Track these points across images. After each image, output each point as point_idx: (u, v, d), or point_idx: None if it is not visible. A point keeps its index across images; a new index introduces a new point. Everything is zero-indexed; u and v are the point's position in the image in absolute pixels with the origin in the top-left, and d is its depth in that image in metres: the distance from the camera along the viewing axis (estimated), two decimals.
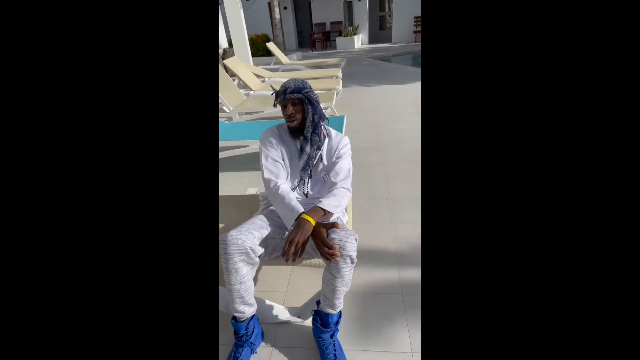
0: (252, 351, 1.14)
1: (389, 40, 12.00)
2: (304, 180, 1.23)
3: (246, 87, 4.35)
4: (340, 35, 11.69)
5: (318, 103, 1.20)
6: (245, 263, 1.02)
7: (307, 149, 1.19)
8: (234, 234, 1.01)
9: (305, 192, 1.25)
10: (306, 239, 1.02)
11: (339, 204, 1.12)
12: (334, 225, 1.05)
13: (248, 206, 1.58)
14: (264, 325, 1.27)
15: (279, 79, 4.90)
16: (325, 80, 4.53)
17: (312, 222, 1.04)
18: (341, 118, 2.82)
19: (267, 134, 1.23)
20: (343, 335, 1.21)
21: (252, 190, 2.38)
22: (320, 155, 1.22)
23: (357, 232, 1.08)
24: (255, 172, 2.66)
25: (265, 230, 1.09)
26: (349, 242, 0.98)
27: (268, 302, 1.33)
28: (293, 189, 1.23)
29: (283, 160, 1.21)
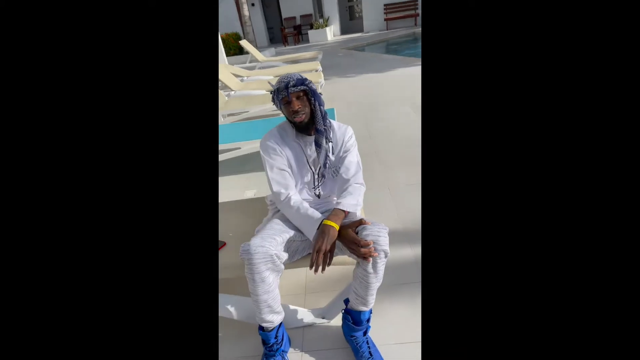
0: (284, 359, 1.10)
1: (360, 30, 11.98)
2: (319, 179, 1.18)
3: (226, 87, 4.21)
4: (311, 28, 11.57)
5: (320, 94, 1.15)
6: (272, 271, 0.98)
7: (324, 142, 1.13)
8: (256, 242, 0.95)
9: (318, 193, 1.20)
10: (333, 245, 0.99)
11: (357, 202, 1.08)
12: (361, 222, 1.02)
13: (251, 211, 1.52)
14: (289, 331, 1.23)
15: (260, 77, 4.78)
16: (306, 74, 4.46)
17: (336, 226, 1.00)
18: (331, 111, 2.78)
19: (268, 140, 1.15)
20: (372, 331, 1.18)
21: (249, 194, 2.31)
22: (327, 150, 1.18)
23: None
24: (249, 174, 2.59)
25: (287, 234, 1.05)
26: (381, 236, 0.96)
27: (290, 306, 1.29)
28: (302, 190, 1.18)
29: (290, 166, 1.15)
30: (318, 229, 1.02)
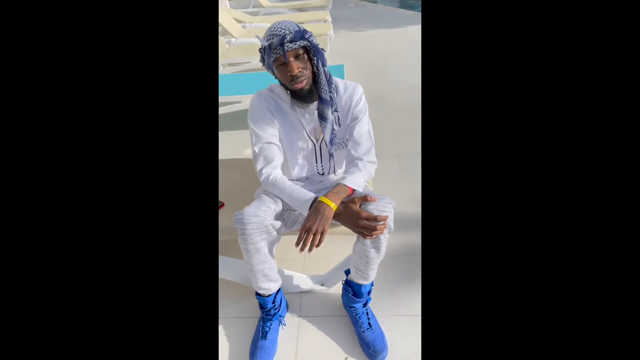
0: (281, 323, 1.08)
1: None
2: (322, 155, 1.03)
3: (227, 34, 3.89)
4: None
5: (323, 50, 0.92)
6: (267, 241, 0.90)
7: (329, 114, 0.93)
8: (250, 211, 0.87)
9: (321, 171, 1.06)
10: (326, 227, 0.85)
11: (364, 182, 0.96)
12: (366, 198, 0.89)
13: (251, 170, 1.42)
14: (286, 295, 1.20)
15: (264, 24, 4.40)
16: (313, 24, 4.10)
17: (333, 206, 0.86)
18: (340, 67, 2.57)
19: (258, 105, 0.95)
20: (371, 302, 1.16)
21: (249, 152, 2.21)
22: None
23: None
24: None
25: (282, 202, 0.96)
26: (387, 211, 0.86)
27: (287, 272, 1.25)
28: (303, 166, 1.03)
29: (281, 139, 0.97)
30: (311, 206, 0.87)
